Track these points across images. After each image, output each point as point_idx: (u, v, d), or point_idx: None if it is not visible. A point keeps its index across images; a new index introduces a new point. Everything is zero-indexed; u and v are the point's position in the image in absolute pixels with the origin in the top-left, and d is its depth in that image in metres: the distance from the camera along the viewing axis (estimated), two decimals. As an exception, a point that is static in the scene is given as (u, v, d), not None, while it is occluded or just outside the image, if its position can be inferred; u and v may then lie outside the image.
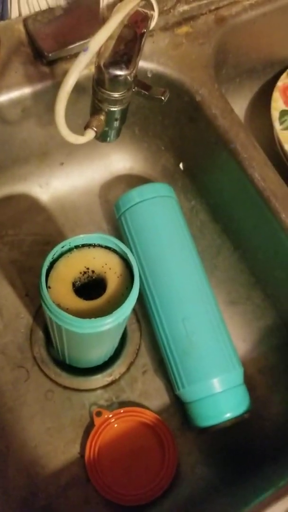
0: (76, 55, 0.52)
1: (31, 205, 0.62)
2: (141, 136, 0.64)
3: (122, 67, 0.40)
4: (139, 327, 0.57)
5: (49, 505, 0.50)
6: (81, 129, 0.43)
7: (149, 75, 0.56)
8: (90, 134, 0.43)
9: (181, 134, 0.61)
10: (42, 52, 0.52)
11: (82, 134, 0.43)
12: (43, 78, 0.53)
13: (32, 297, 0.58)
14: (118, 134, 0.47)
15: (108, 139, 0.47)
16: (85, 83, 0.47)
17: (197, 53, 0.56)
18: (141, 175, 0.66)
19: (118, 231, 0.59)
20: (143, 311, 0.57)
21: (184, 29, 0.58)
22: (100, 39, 0.39)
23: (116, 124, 0.45)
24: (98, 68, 0.40)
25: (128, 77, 0.40)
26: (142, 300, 0.55)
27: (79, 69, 0.38)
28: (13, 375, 0.54)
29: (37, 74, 0.53)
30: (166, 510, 0.50)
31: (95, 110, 0.44)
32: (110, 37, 0.40)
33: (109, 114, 0.44)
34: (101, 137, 0.46)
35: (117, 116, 0.44)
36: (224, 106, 0.54)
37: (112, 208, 0.61)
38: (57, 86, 0.49)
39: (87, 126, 0.43)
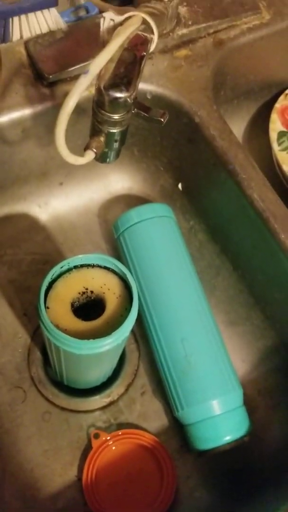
0: (76, 77, 0.53)
1: (30, 224, 0.62)
2: (140, 157, 0.64)
3: (122, 89, 0.40)
4: (137, 347, 0.57)
5: (46, 529, 0.49)
6: (81, 150, 0.44)
7: (149, 97, 0.56)
8: (90, 155, 0.43)
9: (179, 155, 0.61)
10: (42, 74, 0.53)
11: (81, 154, 0.43)
12: (44, 100, 0.53)
13: (30, 317, 0.57)
14: (117, 155, 0.47)
15: (108, 160, 0.47)
16: (85, 104, 0.48)
17: (195, 75, 0.57)
18: (140, 196, 0.66)
19: (116, 250, 0.59)
20: (141, 332, 0.56)
21: (183, 52, 0.59)
22: (101, 62, 0.40)
23: (115, 145, 0.45)
24: (98, 90, 0.41)
25: (128, 99, 0.41)
26: (140, 320, 0.54)
27: (80, 91, 0.38)
28: (10, 395, 0.54)
29: (37, 95, 0.53)
30: (164, 535, 0.49)
31: (95, 131, 0.44)
32: (110, 60, 0.41)
33: (109, 136, 0.44)
34: (101, 158, 0.46)
35: (117, 137, 0.44)
36: (223, 127, 0.55)
37: (110, 228, 0.61)
38: (57, 107, 0.49)
39: (86, 147, 0.43)
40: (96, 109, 0.42)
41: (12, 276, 0.59)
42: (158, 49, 0.57)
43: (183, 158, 0.61)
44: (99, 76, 0.41)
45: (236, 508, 0.49)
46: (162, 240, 0.56)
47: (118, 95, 0.40)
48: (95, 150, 0.43)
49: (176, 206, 0.63)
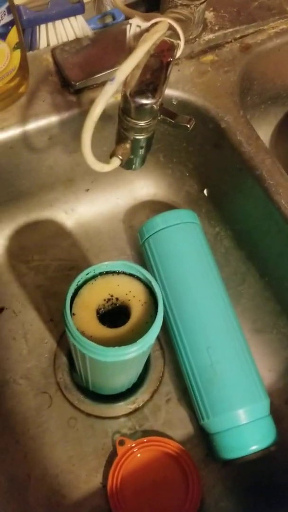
0: (102, 84, 0.53)
1: (57, 230, 0.63)
2: (165, 163, 0.64)
3: (148, 96, 0.40)
4: (162, 354, 0.57)
5: (70, 536, 0.49)
6: (106, 156, 0.44)
7: (174, 103, 0.56)
8: (116, 162, 0.43)
9: (205, 160, 0.61)
10: (69, 81, 0.53)
11: (107, 161, 0.43)
12: (70, 107, 0.53)
13: (57, 322, 0.58)
14: (143, 162, 0.47)
15: (134, 166, 0.47)
16: (111, 111, 0.48)
17: (222, 81, 0.57)
18: (165, 201, 0.66)
19: (141, 257, 0.59)
20: (166, 338, 0.56)
21: (209, 57, 0.58)
22: (127, 69, 0.39)
23: (141, 152, 0.45)
24: (124, 97, 0.41)
25: (154, 105, 0.41)
26: (165, 327, 0.54)
27: (106, 98, 0.38)
28: (36, 401, 0.54)
29: (64, 102, 0.53)
30: None
31: (121, 138, 0.44)
32: (136, 67, 0.41)
33: (135, 142, 0.44)
34: (127, 165, 0.46)
35: (143, 144, 0.44)
36: (250, 132, 0.54)
37: (136, 234, 0.61)
38: (83, 114, 0.49)
39: (112, 154, 0.43)
40: (122, 116, 0.42)
41: (39, 281, 0.60)
42: (184, 54, 0.57)
43: (209, 164, 0.61)
44: (125, 83, 0.40)
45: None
46: (188, 247, 0.56)
47: (144, 101, 0.40)
48: (121, 157, 0.43)
49: (202, 212, 0.63)
